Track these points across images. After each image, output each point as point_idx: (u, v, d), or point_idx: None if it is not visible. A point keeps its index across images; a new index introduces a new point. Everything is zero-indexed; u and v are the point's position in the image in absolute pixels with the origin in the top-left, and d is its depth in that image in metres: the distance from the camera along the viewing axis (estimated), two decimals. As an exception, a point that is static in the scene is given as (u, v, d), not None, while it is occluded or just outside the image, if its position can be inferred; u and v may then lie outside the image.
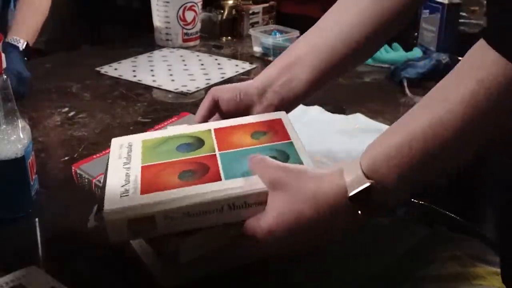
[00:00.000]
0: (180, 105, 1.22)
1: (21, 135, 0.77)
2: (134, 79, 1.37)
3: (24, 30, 1.33)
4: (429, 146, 0.53)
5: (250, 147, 0.71)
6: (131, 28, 2.59)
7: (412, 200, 0.85)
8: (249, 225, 0.62)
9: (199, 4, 1.68)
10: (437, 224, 0.83)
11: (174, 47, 1.65)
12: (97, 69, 1.43)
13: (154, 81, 1.36)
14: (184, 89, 1.31)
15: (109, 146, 0.75)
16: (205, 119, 0.79)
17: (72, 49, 1.97)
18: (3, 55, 0.74)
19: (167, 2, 1.63)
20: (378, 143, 0.58)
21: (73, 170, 0.82)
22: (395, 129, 0.57)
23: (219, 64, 1.51)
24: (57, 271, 0.67)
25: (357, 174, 0.57)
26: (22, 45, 1.29)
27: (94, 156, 0.84)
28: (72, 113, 1.16)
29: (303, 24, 1.85)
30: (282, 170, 0.62)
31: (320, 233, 0.61)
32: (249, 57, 1.59)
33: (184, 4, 1.63)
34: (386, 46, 1.52)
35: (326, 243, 0.67)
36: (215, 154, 0.70)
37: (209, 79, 1.38)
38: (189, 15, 1.65)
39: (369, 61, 1.49)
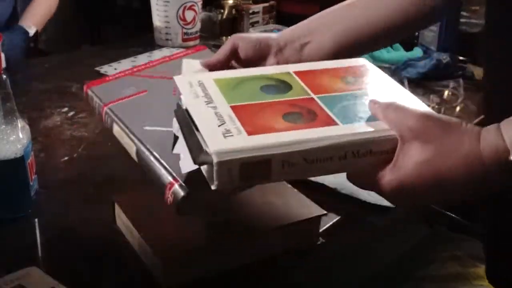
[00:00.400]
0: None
1: (21, 135, 0.77)
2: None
3: (37, 19, 1.48)
4: None
5: (351, 92, 0.63)
6: (131, 28, 2.59)
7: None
8: (372, 177, 0.56)
9: (199, 4, 1.67)
10: (437, 224, 0.83)
11: (174, 47, 1.64)
12: (97, 69, 1.43)
13: None
14: None
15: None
16: (221, 63, 0.78)
17: (72, 49, 1.96)
18: (2, 55, 0.74)
19: (167, 1, 1.63)
20: None
21: (84, 90, 0.75)
22: None
23: None
24: (57, 271, 0.67)
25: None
26: (32, 31, 1.43)
27: (107, 78, 0.77)
28: (71, 113, 1.16)
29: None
30: (429, 121, 0.55)
31: (458, 194, 0.55)
32: (249, 57, 1.59)
33: (184, 3, 1.63)
34: (386, 45, 1.52)
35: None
36: (313, 98, 0.61)
37: None
38: (189, 15, 1.65)
39: (368, 59, 1.49)
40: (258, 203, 0.77)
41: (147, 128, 0.66)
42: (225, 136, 0.54)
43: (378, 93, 0.63)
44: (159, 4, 1.64)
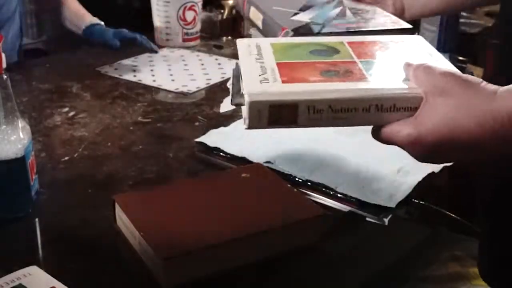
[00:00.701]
0: (180, 105, 1.22)
1: (21, 135, 0.77)
2: (134, 79, 1.37)
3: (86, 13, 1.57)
4: None
5: (396, 57, 0.66)
6: (131, 28, 2.59)
7: (412, 200, 0.85)
8: (394, 130, 0.58)
9: (199, 4, 1.67)
10: (437, 224, 0.83)
11: (174, 47, 1.64)
12: (98, 69, 1.43)
13: (154, 81, 1.36)
14: (185, 89, 1.31)
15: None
16: None
17: (72, 49, 1.96)
18: (3, 55, 0.74)
19: (167, 2, 1.63)
20: None
21: None
22: None
23: (219, 64, 1.50)
24: (57, 271, 0.67)
25: None
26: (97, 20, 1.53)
27: None
28: (72, 113, 1.16)
29: (303, 24, 1.85)
30: (452, 77, 0.56)
31: (471, 152, 0.55)
32: (249, 57, 1.59)
33: (184, 4, 1.63)
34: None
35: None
36: (355, 61, 0.66)
37: (210, 79, 1.37)
38: (189, 15, 1.65)
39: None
40: (258, 204, 0.77)
41: (274, 8, 0.91)
42: (261, 83, 0.60)
43: (416, 58, 0.64)
44: (159, 4, 1.64)
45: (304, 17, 0.89)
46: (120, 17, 3.24)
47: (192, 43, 1.67)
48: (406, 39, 0.73)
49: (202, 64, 1.50)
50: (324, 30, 0.86)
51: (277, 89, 0.59)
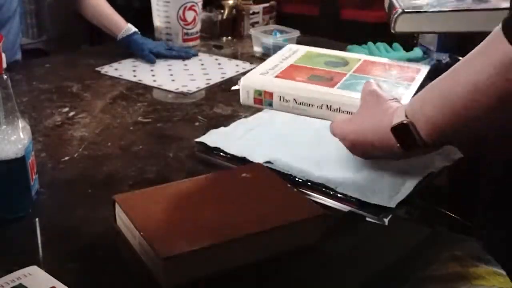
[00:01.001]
0: (180, 105, 1.22)
1: (22, 135, 0.77)
2: (134, 79, 1.37)
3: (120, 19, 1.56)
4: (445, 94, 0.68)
5: (377, 77, 0.87)
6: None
7: (412, 200, 0.85)
8: (333, 124, 0.83)
9: (199, 4, 1.67)
10: (437, 224, 0.83)
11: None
12: (98, 69, 1.43)
13: (154, 81, 1.36)
14: (185, 89, 1.31)
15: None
16: None
17: (72, 49, 1.96)
18: (3, 55, 0.74)
19: (168, 2, 1.63)
20: (420, 95, 0.74)
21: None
22: (433, 86, 0.72)
23: (219, 64, 1.51)
24: (57, 270, 0.67)
25: (402, 114, 0.73)
26: (134, 28, 1.54)
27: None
28: (72, 113, 1.16)
29: (303, 24, 1.86)
30: (373, 94, 0.79)
31: (377, 155, 0.80)
32: (250, 57, 1.59)
33: (184, 4, 1.63)
34: (386, 46, 1.52)
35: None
36: (346, 73, 0.88)
37: (210, 79, 1.38)
38: (189, 15, 1.65)
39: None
40: (258, 203, 0.77)
41: None
42: (260, 74, 0.87)
43: (397, 82, 0.88)
44: (159, 4, 1.64)
45: (422, 1, 1.00)
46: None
47: (192, 43, 1.67)
48: (413, 66, 0.94)
49: (202, 64, 1.50)
50: (434, 9, 0.97)
51: (265, 80, 0.83)
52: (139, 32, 1.54)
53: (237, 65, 1.49)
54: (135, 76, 1.39)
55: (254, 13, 1.83)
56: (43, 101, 1.22)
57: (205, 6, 1.77)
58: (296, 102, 0.82)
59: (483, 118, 0.63)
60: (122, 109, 1.19)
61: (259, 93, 0.83)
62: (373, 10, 2.77)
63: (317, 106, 0.81)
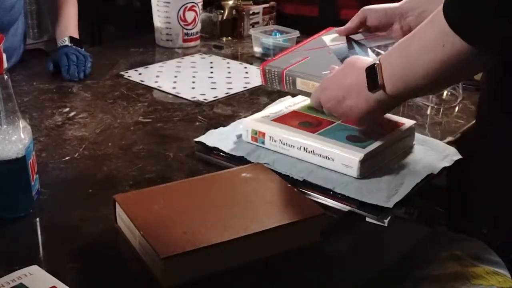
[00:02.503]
0: (180, 105, 1.23)
1: (22, 135, 0.78)
2: (155, 85, 1.34)
3: (69, 29, 1.49)
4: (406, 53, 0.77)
5: (356, 128, 0.95)
6: (131, 28, 2.59)
7: (412, 200, 0.85)
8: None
9: (200, 5, 1.68)
10: (437, 224, 0.83)
11: (174, 48, 1.64)
12: (122, 73, 1.41)
13: (173, 88, 1.33)
14: (201, 98, 1.27)
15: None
16: (350, 30, 1.03)
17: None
18: (4, 55, 0.74)
19: (168, 2, 1.63)
20: (390, 48, 0.83)
21: (260, 69, 1.01)
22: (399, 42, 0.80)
23: (246, 73, 1.46)
24: (57, 270, 0.67)
25: (377, 59, 0.82)
26: (68, 41, 1.44)
27: (273, 58, 1.03)
28: (72, 113, 1.16)
29: (303, 24, 1.86)
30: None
31: (343, 93, 0.86)
32: (250, 58, 1.59)
33: (184, 4, 1.63)
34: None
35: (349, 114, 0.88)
36: (335, 122, 0.96)
37: (231, 88, 1.33)
38: (190, 16, 1.65)
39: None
40: (258, 203, 0.77)
41: (323, 72, 0.94)
42: (261, 117, 1.00)
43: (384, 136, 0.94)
44: (159, 5, 1.64)
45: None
46: (121, 17, 3.26)
47: (192, 44, 1.68)
48: (402, 121, 0.98)
49: (229, 72, 1.45)
50: None
51: (261, 123, 0.98)
52: (71, 46, 1.42)
53: None
54: (156, 82, 1.36)
55: (254, 13, 1.83)
56: (43, 101, 1.23)
57: (205, 7, 1.77)
58: (282, 143, 0.94)
59: (426, 71, 0.74)
60: (123, 109, 1.19)
61: (255, 132, 0.97)
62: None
63: (297, 148, 0.92)
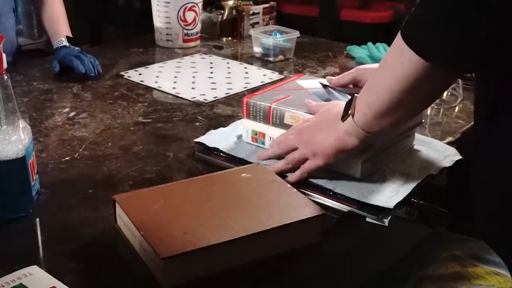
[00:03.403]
0: (180, 105, 1.23)
1: (22, 136, 0.78)
2: (154, 85, 1.34)
3: (61, 26, 1.47)
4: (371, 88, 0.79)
5: None
6: (131, 28, 2.59)
7: (412, 200, 0.85)
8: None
9: (200, 5, 1.68)
10: (437, 224, 0.83)
11: (174, 48, 1.65)
12: (122, 73, 1.41)
13: (174, 88, 1.33)
14: (201, 98, 1.26)
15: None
16: (340, 85, 1.01)
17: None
18: (3, 55, 0.74)
19: (168, 2, 1.63)
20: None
21: (244, 103, 0.98)
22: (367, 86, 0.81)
23: (246, 73, 1.46)
24: (57, 270, 0.67)
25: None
26: (66, 42, 1.43)
27: (256, 93, 1.02)
28: (72, 114, 1.16)
29: (303, 24, 1.86)
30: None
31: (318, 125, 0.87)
32: (250, 58, 1.59)
33: (184, 4, 1.63)
34: (386, 46, 1.53)
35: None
36: None
37: (231, 89, 1.33)
38: (190, 16, 1.65)
39: (368, 61, 1.49)
40: (259, 203, 0.77)
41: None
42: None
43: None
44: (159, 5, 1.64)
45: None
46: (121, 17, 3.26)
47: (192, 44, 1.68)
48: None
49: (229, 73, 1.45)
50: None
51: (260, 124, 0.98)
52: (69, 46, 1.42)
53: (264, 75, 1.44)
54: (156, 82, 1.36)
55: (254, 13, 1.83)
56: (43, 102, 1.23)
57: (205, 7, 1.77)
58: None
59: (389, 92, 0.74)
60: (123, 109, 1.19)
61: (255, 133, 0.99)
62: (372, 11, 2.78)
63: None
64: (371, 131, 0.79)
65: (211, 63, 1.53)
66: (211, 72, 1.45)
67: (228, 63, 1.53)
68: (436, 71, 0.67)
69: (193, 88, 1.33)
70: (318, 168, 0.86)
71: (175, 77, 1.41)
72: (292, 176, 0.87)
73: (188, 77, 1.42)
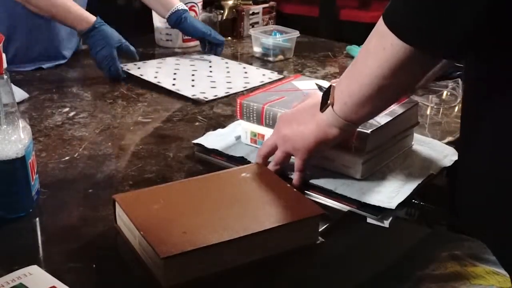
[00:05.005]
0: (180, 105, 1.23)
1: (22, 135, 0.78)
2: (154, 80, 1.34)
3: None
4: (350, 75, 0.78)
5: None
6: (131, 28, 2.58)
7: (412, 200, 0.85)
8: None
9: (199, 5, 1.68)
10: (437, 224, 0.83)
11: (174, 47, 1.65)
12: (121, 65, 1.38)
13: (173, 84, 1.32)
14: (201, 96, 1.26)
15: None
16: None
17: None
18: (3, 55, 0.74)
19: (168, 2, 1.63)
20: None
21: (238, 103, 0.99)
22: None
23: (246, 73, 1.45)
24: (57, 270, 0.67)
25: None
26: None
27: (250, 94, 1.03)
28: (72, 113, 1.16)
29: (303, 24, 1.86)
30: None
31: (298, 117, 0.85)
32: (249, 58, 1.59)
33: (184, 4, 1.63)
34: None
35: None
36: None
37: (231, 88, 1.33)
38: (190, 16, 1.65)
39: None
40: (258, 203, 0.77)
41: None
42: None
43: None
44: (159, 4, 1.64)
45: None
46: (121, 17, 3.24)
47: (192, 44, 1.68)
48: None
49: (228, 72, 1.45)
50: None
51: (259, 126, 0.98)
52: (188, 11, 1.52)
53: (263, 75, 1.43)
54: (156, 77, 1.36)
55: (253, 13, 1.83)
56: (43, 101, 1.22)
57: (205, 7, 1.77)
58: None
59: (370, 78, 0.73)
60: (122, 109, 1.19)
61: (254, 134, 0.98)
62: (371, 11, 2.78)
63: None
64: (352, 119, 0.79)
65: (210, 62, 1.53)
66: (210, 71, 1.45)
67: (227, 63, 1.53)
68: (419, 55, 0.67)
69: (193, 86, 1.33)
70: (305, 162, 0.86)
71: (175, 73, 1.41)
72: (294, 181, 0.87)
73: (187, 73, 1.42)
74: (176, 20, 1.52)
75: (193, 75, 1.41)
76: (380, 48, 0.69)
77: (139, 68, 1.42)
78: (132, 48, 1.38)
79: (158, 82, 1.34)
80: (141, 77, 1.36)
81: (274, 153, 0.88)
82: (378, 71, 0.71)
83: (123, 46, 1.36)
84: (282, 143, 0.86)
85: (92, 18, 1.37)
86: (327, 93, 0.80)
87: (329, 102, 0.79)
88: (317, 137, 0.82)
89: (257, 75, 1.44)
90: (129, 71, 1.38)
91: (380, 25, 0.69)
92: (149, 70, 1.42)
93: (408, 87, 0.78)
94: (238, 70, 1.47)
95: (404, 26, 0.66)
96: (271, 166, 0.88)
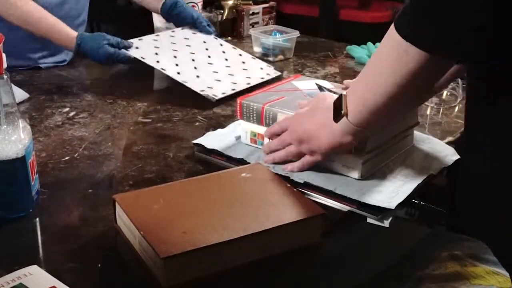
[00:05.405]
0: (180, 105, 1.22)
1: (22, 135, 0.78)
2: (157, 65, 1.31)
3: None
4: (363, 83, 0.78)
5: None
6: (131, 28, 2.59)
7: (412, 200, 0.85)
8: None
9: (199, 5, 1.67)
10: (437, 224, 0.83)
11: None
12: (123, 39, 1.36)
13: (178, 73, 1.29)
14: (211, 93, 1.24)
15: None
16: None
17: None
18: (3, 55, 0.74)
19: (167, 2, 1.62)
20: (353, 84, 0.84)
21: (238, 103, 0.99)
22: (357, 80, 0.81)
23: (243, 62, 1.44)
24: (57, 270, 0.67)
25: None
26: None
27: (250, 94, 1.03)
28: (72, 113, 1.16)
29: (302, 24, 1.86)
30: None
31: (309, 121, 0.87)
32: (249, 57, 1.59)
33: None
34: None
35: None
36: None
37: (235, 83, 1.31)
38: (190, 15, 1.64)
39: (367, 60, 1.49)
40: (258, 203, 0.77)
41: None
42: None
43: None
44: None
45: None
46: (121, 17, 3.25)
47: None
48: None
49: (226, 60, 1.43)
50: None
51: (259, 126, 0.98)
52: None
53: (261, 68, 1.43)
54: (158, 61, 1.32)
55: (253, 13, 1.83)
56: (43, 101, 1.23)
57: (205, 7, 1.77)
58: None
59: (385, 87, 0.74)
60: (122, 109, 1.19)
61: (254, 134, 0.98)
62: (371, 11, 2.78)
63: None
64: (367, 127, 0.80)
65: (204, 42, 1.49)
66: (209, 56, 1.42)
67: (221, 45, 1.50)
68: (433, 60, 0.67)
69: (197, 76, 1.31)
70: (316, 163, 0.88)
71: (175, 57, 1.37)
72: (293, 166, 0.88)
73: (187, 56, 1.38)
74: (171, 6, 1.51)
75: (193, 60, 1.38)
76: (394, 56, 0.70)
77: (137, 47, 1.37)
78: (120, 40, 1.35)
79: (162, 69, 1.30)
80: (143, 60, 1.32)
81: (278, 140, 0.91)
82: (392, 79, 0.71)
83: (113, 43, 1.34)
84: (299, 144, 0.88)
85: (73, 33, 1.36)
86: (339, 103, 0.81)
87: (343, 112, 0.80)
88: (333, 145, 0.84)
89: (256, 68, 1.43)
90: (129, 53, 1.34)
91: (392, 33, 0.69)
92: (149, 51, 1.36)
93: (421, 94, 0.79)
94: (234, 57, 1.45)
95: (416, 33, 0.67)
96: (280, 156, 0.90)
